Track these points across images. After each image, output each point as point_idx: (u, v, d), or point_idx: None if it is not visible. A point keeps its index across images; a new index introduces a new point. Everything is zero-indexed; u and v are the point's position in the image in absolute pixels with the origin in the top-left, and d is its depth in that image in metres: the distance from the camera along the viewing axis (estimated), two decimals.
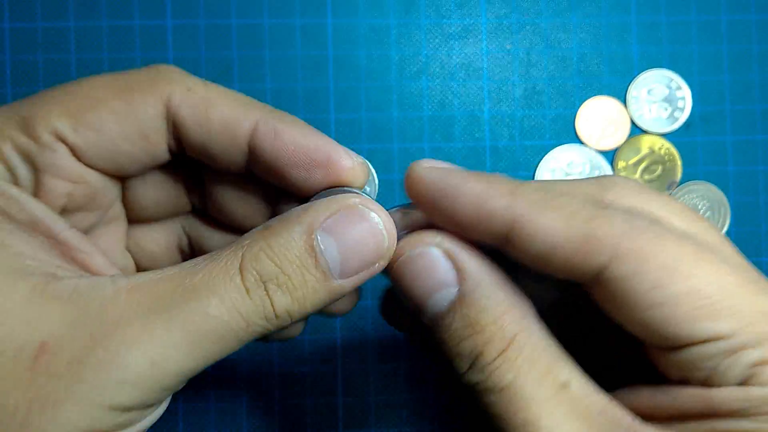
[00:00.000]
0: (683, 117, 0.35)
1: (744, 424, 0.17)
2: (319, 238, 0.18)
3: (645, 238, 0.17)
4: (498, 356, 0.18)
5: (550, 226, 0.18)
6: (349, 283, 0.18)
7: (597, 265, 0.17)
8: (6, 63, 0.34)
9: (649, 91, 0.35)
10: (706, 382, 0.17)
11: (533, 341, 0.18)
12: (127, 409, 0.16)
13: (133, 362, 0.16)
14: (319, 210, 0.18)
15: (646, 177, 0.35)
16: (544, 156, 0.35)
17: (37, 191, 0.19)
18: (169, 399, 0.18)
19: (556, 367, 0.18)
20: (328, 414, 0.34)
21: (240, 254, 0.17)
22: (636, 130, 0.35)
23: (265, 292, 0.17)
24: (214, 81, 0.34)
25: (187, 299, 0.17)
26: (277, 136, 0.20)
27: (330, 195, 0.19)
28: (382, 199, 0.34)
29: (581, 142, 0.35)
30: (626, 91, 0.35)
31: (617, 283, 0.17)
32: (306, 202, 0.20)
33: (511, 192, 0.18)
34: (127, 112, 0.19)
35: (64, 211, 0.20)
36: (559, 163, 0.35)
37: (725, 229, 0.35)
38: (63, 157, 0.19)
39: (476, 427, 0.34)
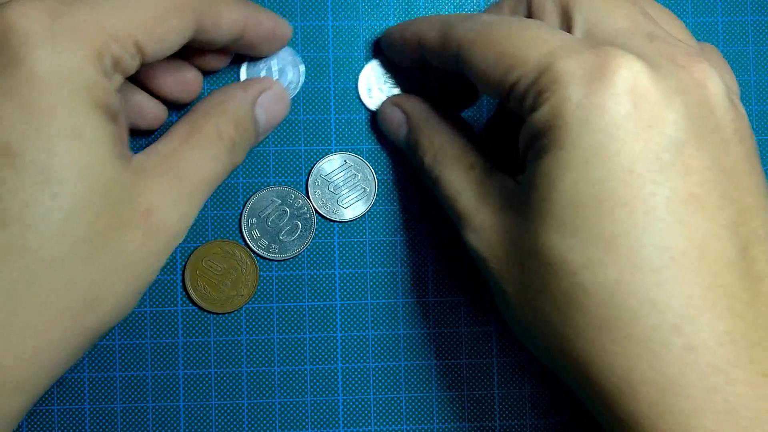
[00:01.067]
0: None
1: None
2: (257, 111, 0.30)
3: (479, 27, 0.25)
4: (431, 160, 0.29)
5: (426, 35, 0.28)
6: (264, 136, 0.32)
7: (454, 59, 0.26)
8: None
9: None
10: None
11: (451, 145, 0.28)
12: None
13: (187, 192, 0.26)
14: (253, 90, 0.30)
15: None
16: None
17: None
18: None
19: (466, 157, 0.28)
20: (328, 412, 0.34)
21: (215, 127, 0.28)
22: None
23: (234, 151, 0.28)
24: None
25: (200, 166, 0.27)
26: (260, 27, 0.30)
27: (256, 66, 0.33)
28: (380, 199, 0.34)
29: None
30: None
31: (463, 65, 0.26)
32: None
33: (411, 25, 0.30)
34: (180, 26, 0.25)
35: None
36: None
37: None
38: (136, 63, 0.25)
39: (477, 427, 0.34)
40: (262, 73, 0.33)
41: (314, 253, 0.34)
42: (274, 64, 0.33)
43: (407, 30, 0.30)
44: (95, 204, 0.22)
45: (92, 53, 0.22)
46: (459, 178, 0.27)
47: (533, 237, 0.22)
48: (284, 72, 0.34)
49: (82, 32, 0.22)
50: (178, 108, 0.33)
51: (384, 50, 0.33)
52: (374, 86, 0.34)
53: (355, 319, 0.34)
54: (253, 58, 0.32)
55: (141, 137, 0.33)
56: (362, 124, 0.34)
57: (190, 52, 0.29)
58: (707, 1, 0.36)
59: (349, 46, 0.34)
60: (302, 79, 0.34)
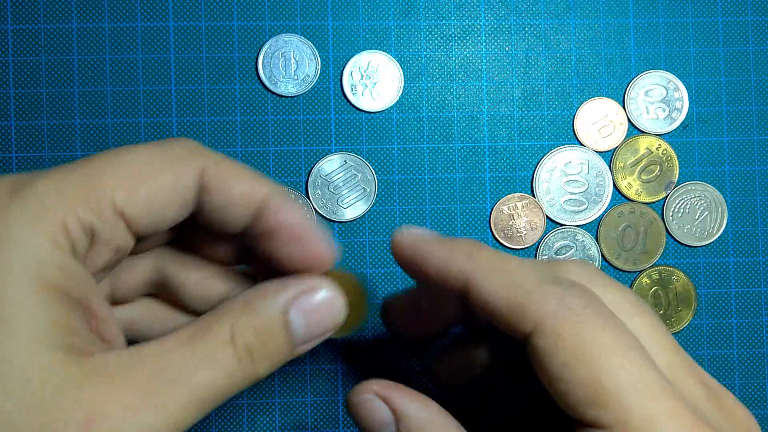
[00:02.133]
0: (681, 118, 0.36)
1: None
2: (291, 315, 0.22)
3: (569, 320, 0.20)
4: None
5: (495, 290, 0.21)
6: (306, 347, 0.23)
7: (524, 332, 0.21)
8: (8, 65, 0.34)
9: (646, 93, 0.36)
10: None
11: None
12: None
13: (152, 423, 0.19)
14: (291, 289, 0.23)
15: (644, 177, 0.35)
16: (542, 156, 0.35)
17: (86, 258, 0.21)
18: None
19: None
20: (328, 413, 0.34)
21: (229, 329, 0.22)
22: (634, 130, 0.36)
23: (251, 361, 0.22)
24: (215, 82, 0.34)
25: (191, 370, 0.20)
26: (279, 212, 0.23)
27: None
28: (380, 199, 0.34)
29: (579, 143, 0.35)
30: (624, 92, 0.36)
31: (537, 351, 0.20)
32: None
33: (467, 256, 0.22)
34: (173, 184, 0.22)
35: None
36: (557, 164, 0.35)
37: (722, 229, 0.35)
38: (119, 231, 0.21)
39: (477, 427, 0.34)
40: (279, 64, 0.33)
41: None
42: (293, 55, 0.33)
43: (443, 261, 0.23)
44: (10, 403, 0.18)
45: (50, 228, 0.20)
46: None
47: None
48: (302, 64, 0.34)
49: (40, 206, 0.20)
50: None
51: (414, 274, 0.25)
52: (357, 82, 0.34)
53: None
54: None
55: None
56: (362, 124, 0.34)
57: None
58: (708, 2, 0.36)
59: (349, 45, 0.34)
60: (319, 72, 0.34)
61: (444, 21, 0.35)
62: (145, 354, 0.21)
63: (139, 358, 0.20)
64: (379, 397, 0.23)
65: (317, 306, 0.23)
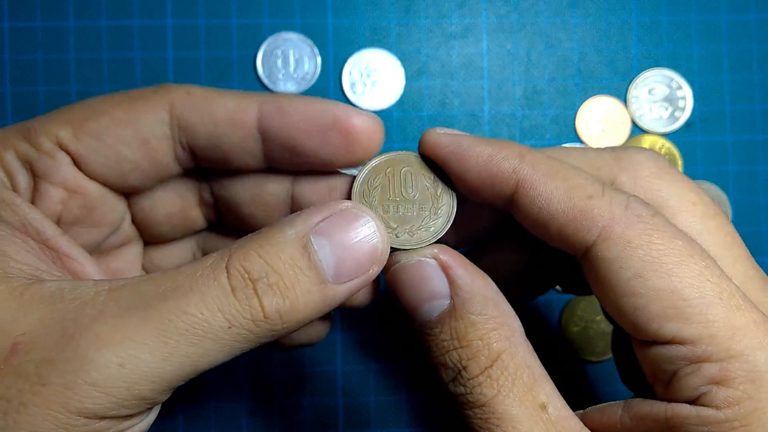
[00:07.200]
0: (684, 117, 0.35)
1: None
2: (312, 239, 0.18)
3: (638, 227, 0.18)
4: (481, 373, 0.19)
5: (551, 194, 0.19)
6: (343, 289, 0.18)
7: (586, 241, 0.19)
8: (5, 62, 0.34)
9: (649, 91, 0.35)
10: (668, 389, 0.18)
11: (517, 361, 0.19)
12: (98, 416, 0.16)
13: (101, 363, 0.16)
14: (311, 213, 0.18)
15: None
16: None
17: (34, 197, 0.20)
18: (155, 412, 0.18)
19: (536, 387, 0.19)
20: (328, 414, 0.34)
21: (228, 254, 0.17)
22: (637, 129, 0.35)
23: (253, 291, 0.17)
24: (214, 81, 0.34)
25: (165, 298, 0.16)
26: (282, 111, 0.20)
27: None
28: None
29: (582, 142, 0.35)
30: (627, 90, 0.35)
31: (602, 263, 0.18)
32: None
33: (520, 155, 0.19)
34: (127, 119, 0.20)
35: (62, 222, 0.21)
36: None
37: None
38: (62, 165, 0.20)
39: None
40: (278, 62, 0.33)
41: None
42: (292, 53, 0.33)
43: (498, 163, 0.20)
44: None
45: None
46: (525, 418, 0.18)
47: None
48: (301, 63, 0.33)
49: None
50: None
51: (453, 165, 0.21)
52: (357, 80, 0.34)
53: (354, 321, 0.34)
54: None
55: None
56: None
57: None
58: (711, 0, 0.36)
59: (350, 44, 0.34)
60: (318, 71, 0.34)
61: (445, 19, 0.35)
62: (117, 284, 0.17)
63: (105, 288, 0.17)
64: (440, 265, 0.20)
65: (346, 230, 0.18)
